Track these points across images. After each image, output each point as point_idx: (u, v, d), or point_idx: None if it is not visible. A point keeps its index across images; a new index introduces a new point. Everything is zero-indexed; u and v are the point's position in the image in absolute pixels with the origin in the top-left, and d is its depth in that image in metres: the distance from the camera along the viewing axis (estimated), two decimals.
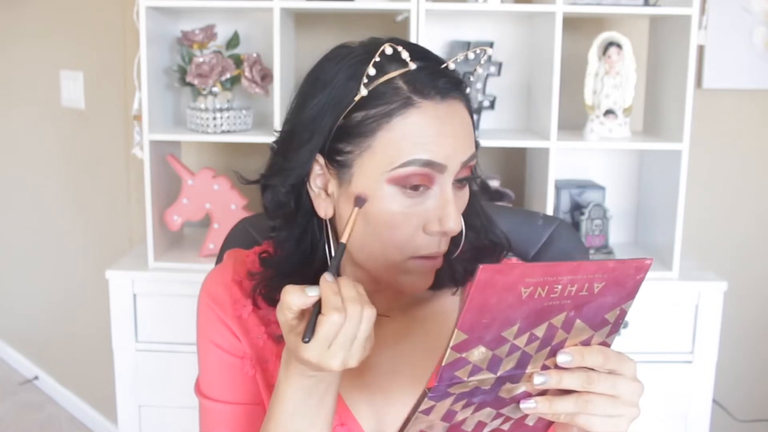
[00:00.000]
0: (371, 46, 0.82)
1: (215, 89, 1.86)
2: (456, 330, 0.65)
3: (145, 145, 1.81)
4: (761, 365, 2.29)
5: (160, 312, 1.82)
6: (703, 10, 2.00)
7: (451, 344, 0.66)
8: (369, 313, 0.72)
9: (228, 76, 1.86)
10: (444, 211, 0.81)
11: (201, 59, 1.84)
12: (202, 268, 1.82)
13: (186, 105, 1.95)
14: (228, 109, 1.87)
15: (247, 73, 1.86)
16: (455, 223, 0.81)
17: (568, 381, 0.70)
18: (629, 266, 0.68)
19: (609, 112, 1.86)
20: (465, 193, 0.86)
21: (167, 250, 1.94)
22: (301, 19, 2.04)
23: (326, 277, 0.73)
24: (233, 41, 1.93)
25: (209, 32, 1.88)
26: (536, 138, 1.86)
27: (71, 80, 2.42)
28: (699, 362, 1.83)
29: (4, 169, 2.87)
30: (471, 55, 0.87)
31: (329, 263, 0.86)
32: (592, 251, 1.88)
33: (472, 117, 0.86)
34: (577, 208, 1.97)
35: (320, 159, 0.84)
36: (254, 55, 1.88)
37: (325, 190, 0.85)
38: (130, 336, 1.82)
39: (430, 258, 0.84)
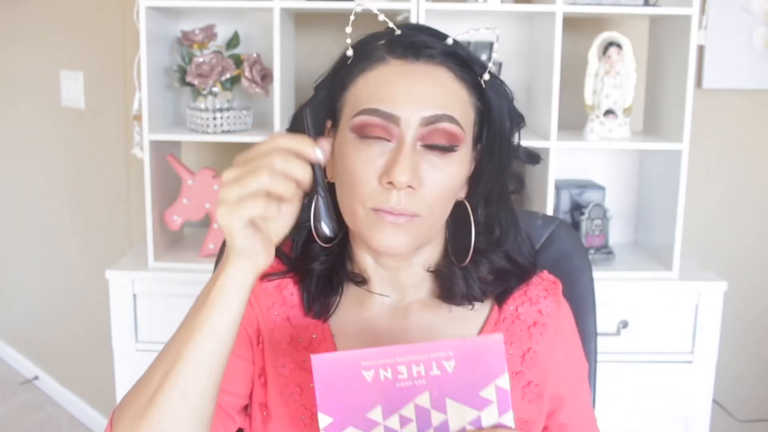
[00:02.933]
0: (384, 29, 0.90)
1: (215, 89, 1.86)
2: (319, 413, 0.68)
3: (145, 145, 1.81)
4: (761, 365, 2.29)
5: (160, 312, 1.81)
6: (703, 10, 2.00)
7: (321, 427, 0.68)
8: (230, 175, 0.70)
9: (228, 76, 1.86)
10: (395, 161, 0.81)
11: (201, 59, 1.84)
12: (202, 268, 1.82)
13: (186, 105, 1.95)
14: (228, 109, 1.87)
15: (247, 73, 1.86)
16: (403, 175, 0.80)
17: None
18: (475, 342, 0.69)
19: (609, 112, 1.85)
20: (445, 163, 0.84)
21: (167, 250, 1.94)
22: (301, 19, 2.04)
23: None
24: (233, 41, 1.93)
25: (209, 32, 1.88)
26: (536, 138, 1.85)
27: (71, 80, 2.42)
28: (699, 362, 1.83)
29: (4, 169, 2.87)
30: (472, 32, 0.91)
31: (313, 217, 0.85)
32: (591, 251, 1.88)
33: (477, 91, 0.91)
34: (577, 208, 1.96)
35: (328, 124, 0.89)
36: (254, 55, 1.88)
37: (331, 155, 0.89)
38: (130, 336, 1.82)
39: (388, 212, 0.82)
